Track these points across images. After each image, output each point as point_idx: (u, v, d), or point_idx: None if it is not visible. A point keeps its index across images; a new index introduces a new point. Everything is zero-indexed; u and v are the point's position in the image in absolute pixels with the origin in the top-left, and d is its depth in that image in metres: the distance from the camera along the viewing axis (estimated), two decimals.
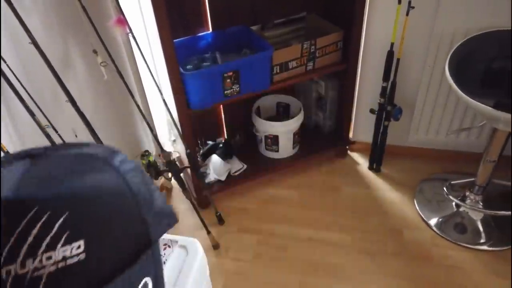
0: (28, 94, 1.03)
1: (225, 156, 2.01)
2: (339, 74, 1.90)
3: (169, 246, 0.56)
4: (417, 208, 1.83)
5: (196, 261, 0.54)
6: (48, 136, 1.07)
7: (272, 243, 1.74)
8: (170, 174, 1.59)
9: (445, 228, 1.73)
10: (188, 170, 1.82)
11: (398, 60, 1.71)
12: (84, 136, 1.22)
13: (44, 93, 1.15)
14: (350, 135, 2.13)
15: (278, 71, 1.68)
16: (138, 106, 1.37)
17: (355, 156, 2.16)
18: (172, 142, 2.12)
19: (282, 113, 2.10)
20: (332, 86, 1.97)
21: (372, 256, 1.65)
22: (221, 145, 2.05)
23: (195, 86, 1.55)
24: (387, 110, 1.83)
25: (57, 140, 1.10)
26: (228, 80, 1.58)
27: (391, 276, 1.57)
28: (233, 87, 1.61)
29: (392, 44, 1.69)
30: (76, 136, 1.22)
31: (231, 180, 1.94)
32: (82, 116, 1.15)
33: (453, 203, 1.79)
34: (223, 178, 1.93)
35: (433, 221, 1.76)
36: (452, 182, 1.85)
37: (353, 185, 1.99)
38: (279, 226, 1.81)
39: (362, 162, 2.12)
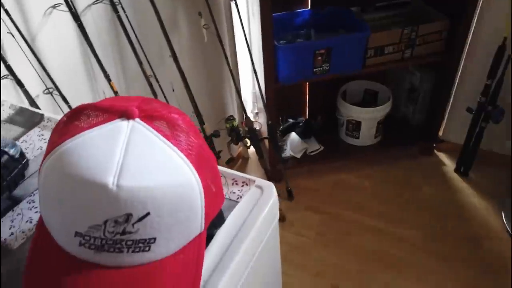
0: (140, 44, 1.15)
1: (304, 135, 2.03)
2: (437, 66, 1.79)
3: (246, 184, 0.60)
4: (504, 220, 1.68)
5: (269, 202, 0.57)
6: (150, 85, 1.18)
7: (337, 226, 1.74)
8: (249, 142, 1.65)
9: None
10: (266, 141, 1.87)
11: (509, 57, 1.56)
12: (179, 90, 1.32)
13: (152, 46, 1.26)
14: (440, 133, 2.00)
15: (372, 54, 1.64)
16: (231, 71, 1.44)
17: (442, 156, 2.03)
18: (254, 115, 2.19)
19: (368, 101, 2.04)
20: (428, 78, 1.86)
21: (442, 259, 1.56)
22: (301, 124, 2.07)
23: (286, 60, 1.58)
24: (487, 110, 1.68)
25: (157, 89, 1.21)
26: (319, 58, 1.58)
27: (458, 283, 1.48)
28: (323, 65, 1.61)
29: (505, 39, 1.54)
30: (173, 90, 1.33)
31: (306, 159, 1.96)
32: (180, 71, 1.24)
33: None
34: (298, 156, 1.96)
35: None
36: None
37: (435, 185, 1.88)
38: (347, 211, 1.79)
39: (448, 163, 1.99)
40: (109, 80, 1.03)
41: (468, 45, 1.69)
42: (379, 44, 1.62)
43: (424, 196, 1.84)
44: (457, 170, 1.93)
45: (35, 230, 0.46)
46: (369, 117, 1.87)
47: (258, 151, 1.60)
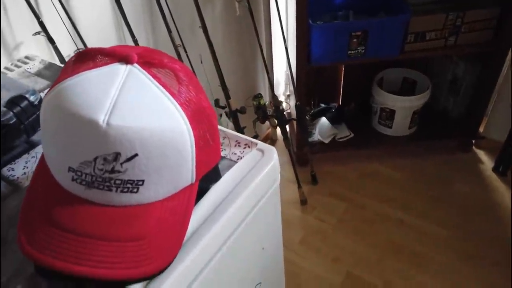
0: (170, 13, 1.16)
1: (334, 121, 1.98)
2: (483, 57, 1.68)
3: (248, 146, 0.60)
4: None
5: (268, 165, 0.57)
6: (178, 54, 1.20)
7: (360, 214, 1.70)
8: (276, 122, 1.64)
9: None
10: (294, 124, 1.85)
11: None
12: (207, 63, 1.33)
13: (183, 16, 1.27)
14: (481, 128, 1.89)
15: (412, 39, 1.56)
16: (260, 47, 1.43)
17: (480, 153, 1.92)
18: (286, 97, 2.17)
19: (406, 90, 1.96)
20: (472, 69, 1.75)
21: (466, 258, 1.49)
22: (333, 110, 2.03)
23: (319, 40, 1.54)
24: None
25: (185, 59, 1.22)
26: (355, 40, 1.53)
27: (481, 285, 1.41)
28: (359, 48, 1.56)
29: None
30: (201, 62, 1.34)
31: (334, 145, 1.92)
32: (210, 44, 1.25)
33: None
34: (326, 141, 1.92)
35: None
36: None
37: (469, 183, 1.78)
38: (372, 201, 1.75)
39: (487, 161, 1.88)
40: (136, 44, 1.06)
41: None
42: (421, 29, 1.54)
43: (455, 193, 1.75)
44: (495, 169, 1.82)
45: (37, 163, 0.49)
46: (404, 106, 1.80)
47: (283, 131, 1.59)
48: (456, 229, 1.60)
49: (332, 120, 1.97)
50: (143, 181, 0.42)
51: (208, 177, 0.51)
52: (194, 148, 0.45)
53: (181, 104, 0.44)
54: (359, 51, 1.57)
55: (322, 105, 2.07)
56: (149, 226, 0.43)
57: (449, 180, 1.81)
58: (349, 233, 1.63)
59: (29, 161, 0.63)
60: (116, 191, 0.42)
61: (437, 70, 1.91)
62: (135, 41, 1.06)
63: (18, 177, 0.60)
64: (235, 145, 0.62)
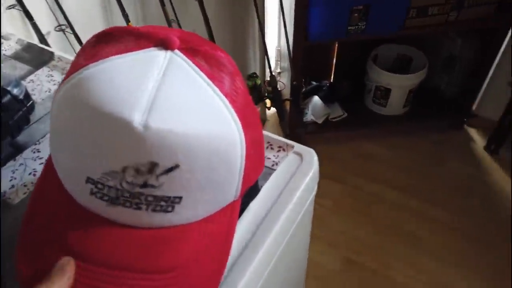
0: None
1: (327, 100, 1.91)
2: (482, 33, 1.63)
3: (283, 150, 0.51)
4: None
5: (309, 172, 0.49)
6: None
7: (356, 196, 1.66)
8: (269, 103, 1.55)
9: None
10: (287, 103, 1.76)
11: None
12: None
13: None
14: (473, 107, 1.87)
15: (414, 15, 1.48)
16: (259, 22, 1.32)
17: (472, 131, 1.91)
18: (277, 74, 2.07)
19: (400, 67, 1.90)
20: (470, 45, 1.70)
21: (465, 239, 1.49)
22: (325, 88, 1.95)
23: (318, 15, 1.44)
24: None
25: None
26: (356, 15, 1.44)
27: (480, 266, 1.42)
28: (359, 24, 1.47)
29: None
30: None
31: (327, 125, 1.85)
32: (205, 17, 1.13)
33: None
34: (320, 121, 1.85)
35: None
36: None
37: (462, 162, 1.78)
38: (368, 182, 1.71)
39: (478, 140, 1.87)
40: (127, 21, 0.93)
41: None
42: (424, 4, 1.46)
43: (449, 172, 1.74)
44: (487, 148, 1.82)
45: (42, 171, 0.39)
46: (400, 85, 1.74)
47: (280, 113, 1.50)
48: (451, 208, 1.60)
49: (324, 99, 1.90)
50: (180, 198, 0.33)
51: (247, 191, 0.43)
52: (244, 159, 0.36)
53: (231, 102, 0.34)
54: (360, 27, 1.48)
55: (314, 83, 1.98)
56: (183, 254, 0.34)
57: (443, 159, 1.80)
58: (346, 216, 1.60)
59: (17, 169, 0.52)
60: (147, 209, 0.33)
61: (433, 47, 1.86)
62: (125, 16, 0.93)
63: (5, 192, 0.49)
64: (267, 148, 0.53)
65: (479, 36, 1.66)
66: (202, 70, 0.34)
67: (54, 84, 0.65)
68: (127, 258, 0.33)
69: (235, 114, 0.34)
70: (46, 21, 0.83)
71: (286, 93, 1.79)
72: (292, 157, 0.51)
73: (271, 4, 1.68)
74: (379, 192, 1.67)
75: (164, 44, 0.35)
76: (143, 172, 0.32)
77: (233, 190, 0.37)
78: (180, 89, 0.33)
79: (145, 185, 0.32)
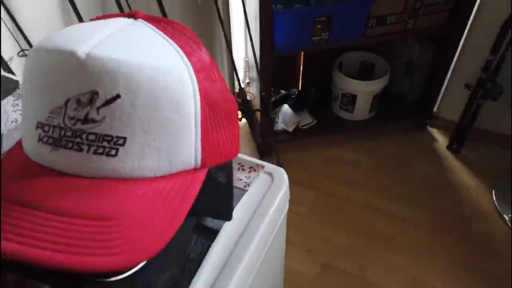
0: (127, 2, 1.03)
1: (296, 108, 1.95)
2: (438, 39, 1.72)
3: (254, 170, 0.53)
4: (494, 199, 1.67)
5: (280, 191, 0.50)
6: None
7: (330, 202, 1.70)
8: (240, 114, 1.57)
9: None
10: (258, 114, 1.79)
11: None
12: None
13: (140, 3, 1.14)
14: (435, 109, 1.96)
15: (374, 24, 1.55)
16: (225, 35, 1.34)
17: (435, 132, 2.00)
18: (245, 85, 2.09)
19: (364, 73, 1.97)
20: (427, 51, 1.79)
21: (434, 236, 1.56)
22: (293, 96, 1.99)
23: (283, 26, 1.47)
24: (486, 87, 1.64)
25: None
26: (319, 26, 1.49)
27: (450, 261, 1.48)
28: (322, 34, 1.52)
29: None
30: None
31: (298, 133, 1.89)
32: None
33: None
34: (290, 129, 1.89)
35: (510, 216, 1.60)
36: None
37: (427, 162, 1.86)
38: (340, 187, 1.76)
39: (441, 139, 1.96)
40: None
41: (472, 17, 1.61)
42: (382, 13, 1.53)
43: (416, 173, 1.82)
44: (449, 147, 1.91)
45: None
46: (366, 91, 1.80)
47: (251, 124, 1.52)
48: (421, 208, 1.66)
49: (293, 107, 1.94)
50: (124, 139, 0.31)
51: (217, 207, 0.44)
52: (199, 112, 0.34)
53: (185, 53, 0.35)
54: (323, 37, 1.53)
55: (283, 91, 2.02)
56: (125, 205, 0.31)
57: (409, 160, 1.87)
58: (321, 222, 1.63)
59: None
60: (88, 150, 0.31)
61: (393, 53, 1.94)
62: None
63: None
64: (239, 169, 0.55)
65: (436, 42, 1.74)
66: (163, 31, 0.36)
67: (21, 114, 0.64)
68: (64, 203, 0.31)
69: (188, 63, 0.34)
70: (8, 46, 0.81)
71: (256, 103, 1.81)
72: (263, 177, 0.53)
73: (237, 17, 1.71)
74: (351, 196, 1.72)
75: (131, 16, 0.38)
76: (83, 104, 0.31)
77: (190, 149, 0.35)
78: (133, 35, 0.35)
79: (85, 120, 0.31)
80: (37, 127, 0.33)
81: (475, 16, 1.62)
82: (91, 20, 0.38)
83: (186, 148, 0.34)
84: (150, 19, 0.38)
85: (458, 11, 1.56)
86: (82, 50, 0.31)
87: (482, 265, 1.47)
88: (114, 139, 0.31)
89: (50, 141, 0.32)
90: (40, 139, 0.33)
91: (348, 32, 1.54)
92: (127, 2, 1.05)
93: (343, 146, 1.94)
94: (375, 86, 1.78)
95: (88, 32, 0.34)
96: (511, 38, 1.51)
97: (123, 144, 0.32)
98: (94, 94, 0.31)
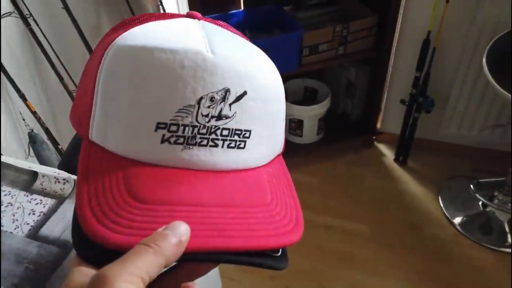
0: (58, 58, 1.06)
1: None
2: (370, 61, 1.85)
3: None
4: (441, 205, 1.77)
5: None
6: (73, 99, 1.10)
7: None
8: None
9: (469, 228, 1.66)
10: None
11: (434, 49, 1.64)
12: None
13: (74, 59, 1.17)
14: (378, 125, 2.07)
15: (307, 53, 1.65)
16: None
17: (381, 147, 2.11)
18: None
19: (309, 98, 2.06)
20: (362, 73, 1.91)
21: (389, 248, 1.62)
22: None
23: None
24: (419, 101, 1.76)
25: None
26: None
27: (407, 269, 1.54)
28: None
29: (429, 33, 1.62)
30: None
31: None
32: None
33: (480, 203, 1.72)
34: None
35: (457, 220, 1.70)
36: (481, 181, 1.77)
37: (377, 176, 1.94)
38: None
39: (388, 153, 2.06)
40: (24, 100, 0.94)
41: (396, 40, 1.75)
42: (313, 43, 1.64)
43: (367, 188, 1.89)
44: (396, 160, 2.01)
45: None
46: (310, 115, 1.89)
47: None
48: (374, 222, 1.73)
49: None
50: (250, 131, 0.34)
51: None
52: (284, 108, 0.39)
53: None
54: None
55: None
56: (267, 192, 0.35)
57: (360, 176, 1.95)
58: None
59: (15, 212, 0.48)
60: (223, 145, 0.33)
61: (333, 77, 2.05)
62: (22, 96, 0.94)
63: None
64: None
65: (368, 64, 1.87)
66: (231, 31, 0.39)
67: None
68: (227, 197, 0.32)
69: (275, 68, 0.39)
70: None
71: None
72: None
73: None
74: (307, 218, 1.73)
75: (190, 16, 0.38)
76: (217, 101, 0.32)
77: (282, 135, 0.39)
78: (225, 36, 0.37)
79: (219, 116, 0.32)
80: (157, 128, 0.31)
81: (398, 39, 1.76)
82: (144, 18, 0.37)
83: (279, 135, 0.39)
84: (210, 21, 0.39)
85: (382, 35, 1.69)
86: (204, 49, 0.32)
87: (436, 268, 1.54)
88: (243, 132, 0.34)
89: (181, 140, 0.31)
90: (165, 140, 0.31)
91: (285, 62, 1.63)
92: (59, 59, 1.08)
93: (297, 170, 1.99)
94: (318, 110, 1.88)
95: (181, 31, 0.34)
96: (432, 55, 1.65)
97: (249, 137, 0.34)
98: (227, 91, 0.32)
